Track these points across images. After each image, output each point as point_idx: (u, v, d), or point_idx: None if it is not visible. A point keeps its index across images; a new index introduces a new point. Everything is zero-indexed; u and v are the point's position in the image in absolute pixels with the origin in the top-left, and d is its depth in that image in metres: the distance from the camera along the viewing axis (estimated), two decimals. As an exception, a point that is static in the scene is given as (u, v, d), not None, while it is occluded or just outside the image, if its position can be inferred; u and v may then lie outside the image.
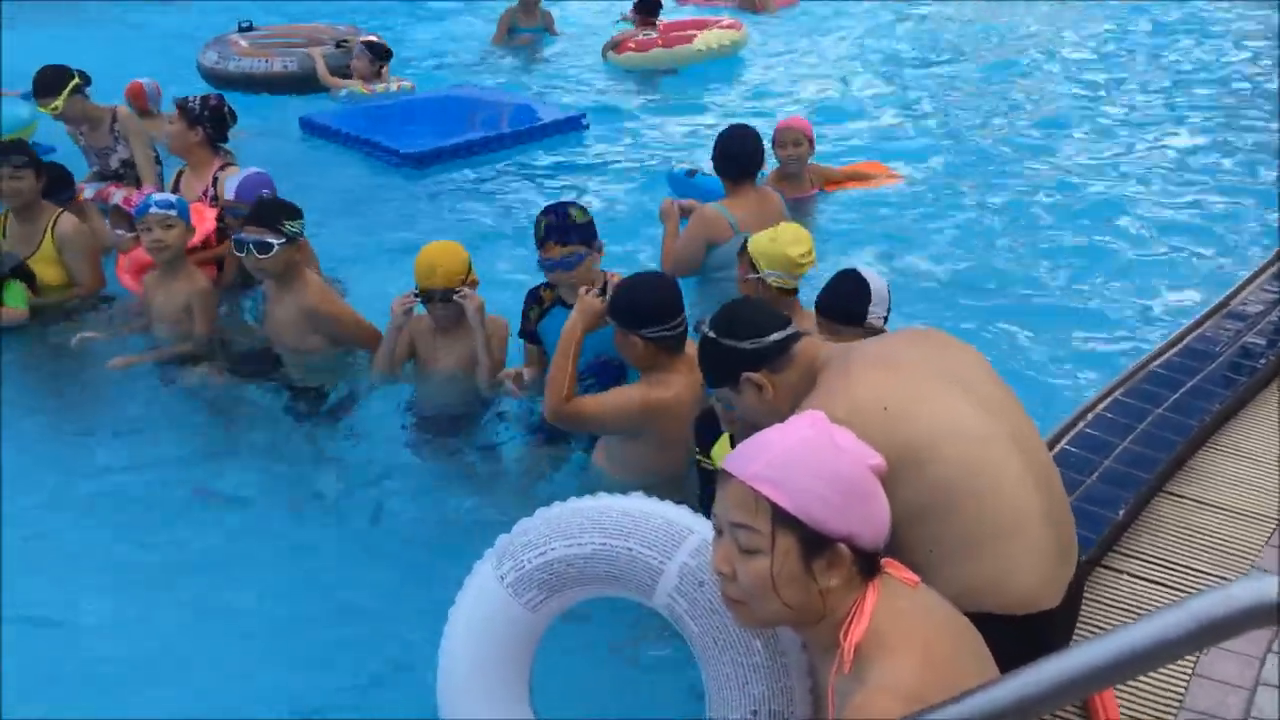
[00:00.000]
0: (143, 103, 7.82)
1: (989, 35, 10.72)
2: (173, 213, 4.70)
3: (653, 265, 5.39)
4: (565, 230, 3.96)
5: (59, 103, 6.00)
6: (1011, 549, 2.33)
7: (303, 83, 9.34)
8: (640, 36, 9.74)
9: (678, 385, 3.53)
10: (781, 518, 1.90)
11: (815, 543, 1.90)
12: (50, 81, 6.04)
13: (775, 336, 2.62)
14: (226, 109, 5.69)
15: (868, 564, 1.95)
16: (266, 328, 4.70)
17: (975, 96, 8.75)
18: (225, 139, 5.73)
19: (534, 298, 4.26)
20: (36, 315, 5.07)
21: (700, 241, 5.04)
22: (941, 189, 6.70)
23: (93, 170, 6.37)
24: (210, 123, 5.60)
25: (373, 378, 4.44)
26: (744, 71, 9.77)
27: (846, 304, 3.54)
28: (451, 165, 7.46)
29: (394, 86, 9.19)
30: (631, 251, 5.74)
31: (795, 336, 2.63)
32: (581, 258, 3.97)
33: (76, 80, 6.10)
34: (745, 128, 5.34)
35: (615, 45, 9.73)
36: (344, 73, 9.29)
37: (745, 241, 4.14)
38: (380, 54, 9.28)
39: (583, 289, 3.73)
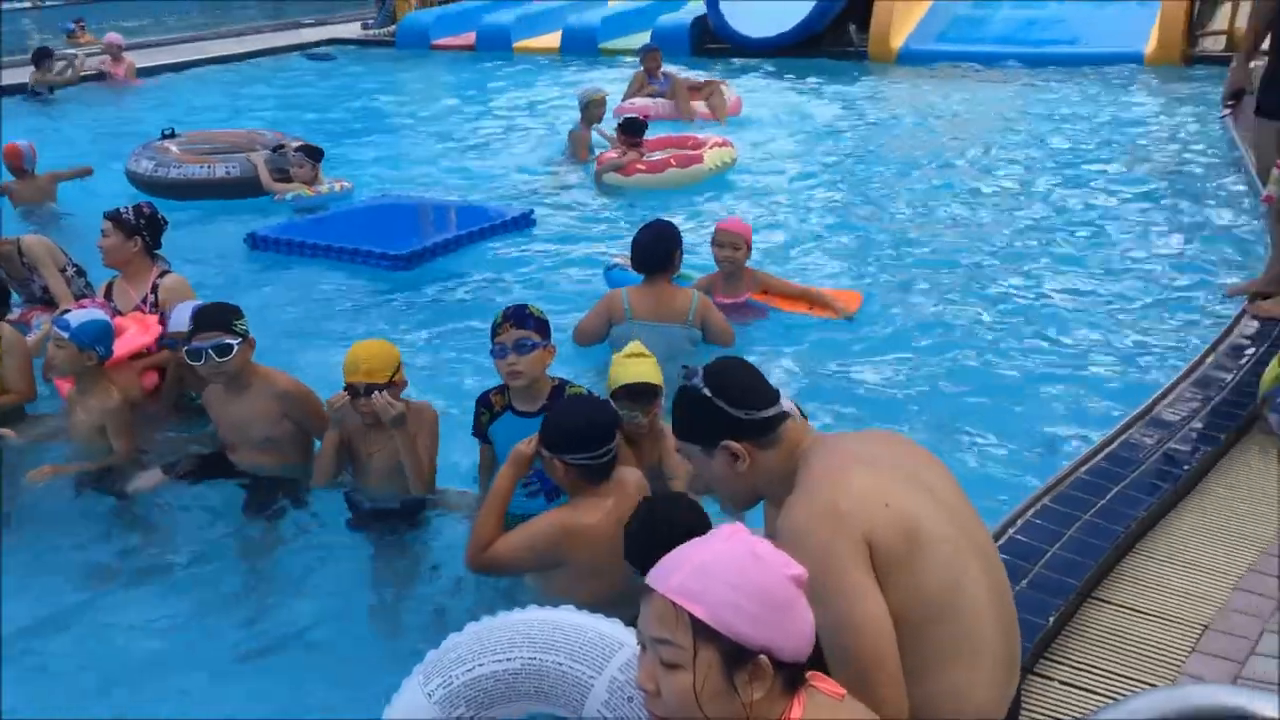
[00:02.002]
0: (19, 162, 8.97)
1: (941, 146, 10.99)
2: (64, 334, 4.68)
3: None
4: (523, 317, 4.07)
5: None
6: (974, 664, 2.35)
7: (245, 188, 9.43)
8: (641, 158, 9.48)
9: (599, 512, 3.45)
10: (701, 630, 1.90)
11: (736, 655, 1.90)
12: None
13: (769, 412, 2.54)
14: (160, 215, 5.72)
15: (791, 677, 1.95)
16: (222, 430, 4.68)
17: (917, 209, 8.93)
18: (159, 245, 5.73)
19: (485, 402, 4.28)
20: None
21: (603, 318, 5.59)
22: (875, 299, 6.81)
23: (22, 299, 6.36)
24: (147, 231, 5.61)
25: (314, 483, 4.42)
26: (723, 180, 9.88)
27: None
28: (431, 264, 7.70)
29: (337, 187, 9.36)
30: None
31: (784, 416, 2.57)
32: (535, 345, 4.04)
33: None
34: (660, 224, 5.72)
35: (619, 167, 9.42)
36: (282, 176, 9.41)
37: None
38: (314, 156, 9.46)
39: (522, 443, 3.68)
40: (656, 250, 5.53)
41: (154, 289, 5.53)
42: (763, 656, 1.90)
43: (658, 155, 9.60)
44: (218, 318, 4.46)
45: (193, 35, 19.50)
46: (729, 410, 2.51)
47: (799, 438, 2.55)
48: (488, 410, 4.26)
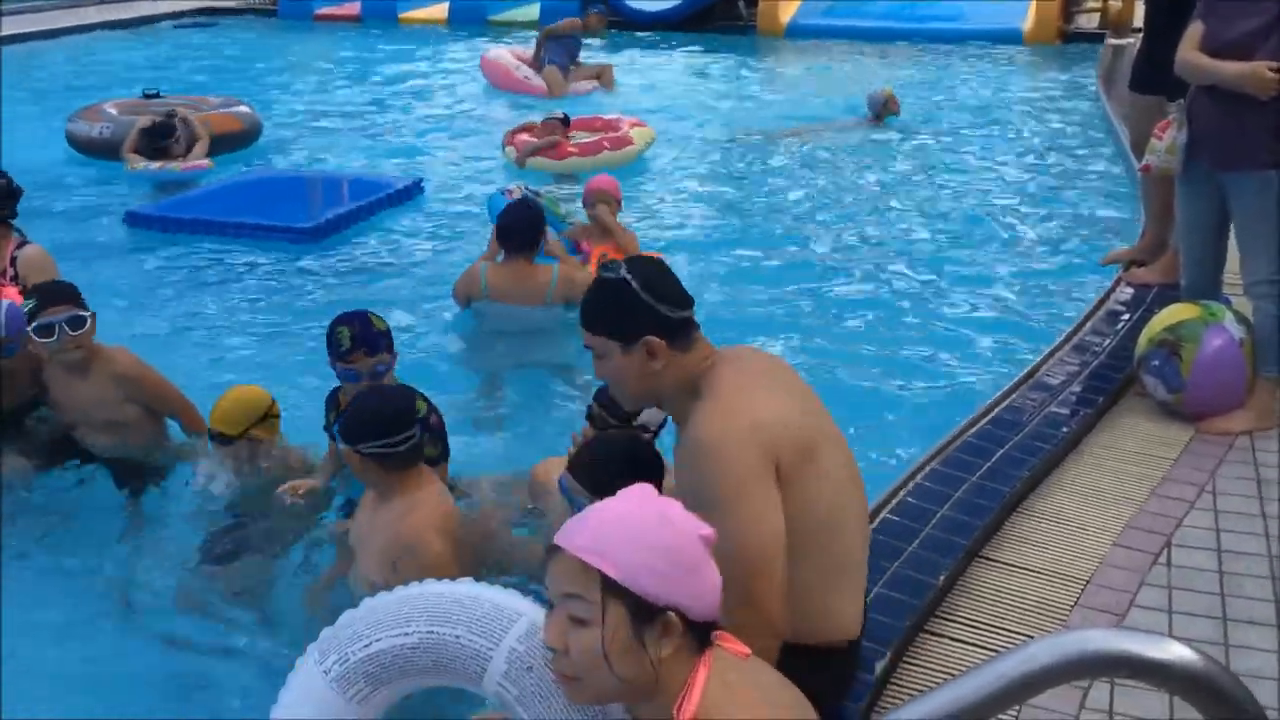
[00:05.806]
0: None
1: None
2: None
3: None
4: (374, 339, 3.90)
5: None
6: (846, 586, 2.54)
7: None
8: (568, 140, 9.16)
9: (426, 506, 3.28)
10: (610, 586, 1.89)
11: (644, 611, 1.90)
12: None
13: (688, 314, 2.46)
14: (15, 184, 5.45)
15: (699, 635, 1.96)
16: (66, 411, 4.47)
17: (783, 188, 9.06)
18: (14, 215, 5.46)
19: (333, 401, 4.15)
20: None
21: (461, 292, 5.82)
22: (761, 271, 6.89)
23: None
24: (6, 200, 5.35)
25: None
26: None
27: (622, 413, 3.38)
28: (337, 237, 7.64)
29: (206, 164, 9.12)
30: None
31: (694, 322, 2.50)
32: (388, 366, 3.93)
33: None
34: (525, 204, 5.95)
35: (547, 148, 9.04)
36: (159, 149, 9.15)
37: None
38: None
39: None
40: (520, 227, 5.62)
41: (13, 261, 5.29)
42: (671, 614, 1.91)
43: (586, 138, 9.38)
44: (67, 290, 4.28)
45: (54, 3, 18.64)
46: (654, 305, 2.41)
47: (707, 348, 2.52)
48: (335, 410, 4.09)
